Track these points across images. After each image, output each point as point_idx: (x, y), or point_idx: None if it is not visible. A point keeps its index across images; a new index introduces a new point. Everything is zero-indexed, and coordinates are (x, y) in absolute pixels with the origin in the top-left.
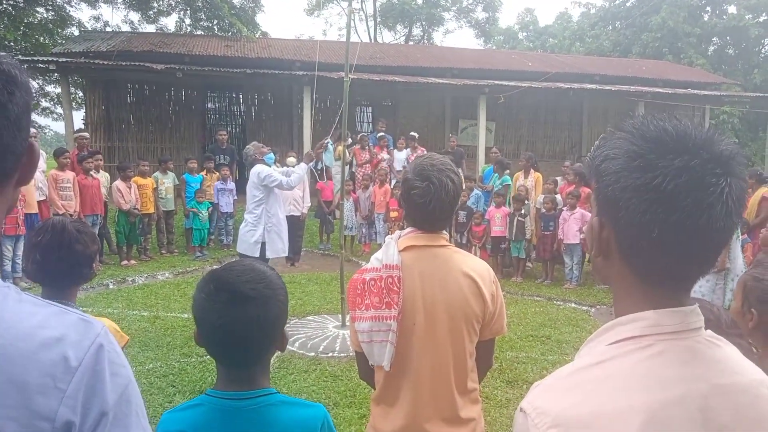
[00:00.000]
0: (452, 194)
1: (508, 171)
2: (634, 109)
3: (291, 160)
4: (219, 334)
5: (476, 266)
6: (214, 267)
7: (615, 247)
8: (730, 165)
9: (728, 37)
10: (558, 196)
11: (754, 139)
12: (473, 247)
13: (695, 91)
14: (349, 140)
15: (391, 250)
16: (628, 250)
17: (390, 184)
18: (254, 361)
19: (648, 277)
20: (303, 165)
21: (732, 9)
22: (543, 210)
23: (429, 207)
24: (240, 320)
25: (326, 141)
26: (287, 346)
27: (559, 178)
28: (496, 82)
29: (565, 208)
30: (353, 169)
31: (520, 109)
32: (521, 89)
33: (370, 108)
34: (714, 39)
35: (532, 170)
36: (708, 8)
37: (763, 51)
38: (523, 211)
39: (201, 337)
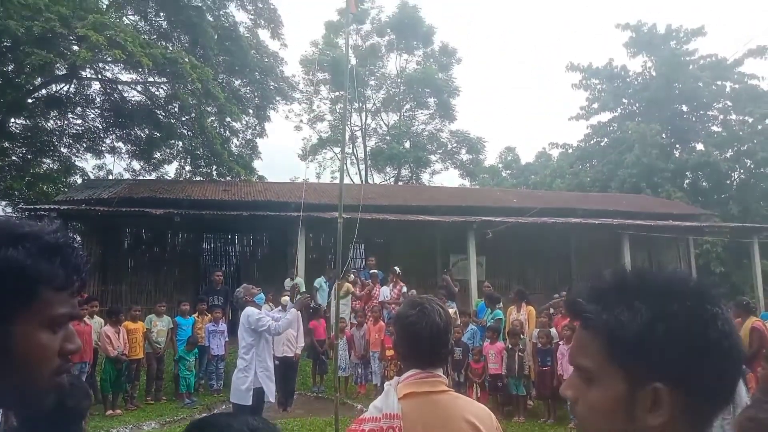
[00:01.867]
0: (445, 319)
1: (500, 305)
2: (620, 242)
3: (285, 299)
4: None
5: (478, 413)
6: (203, 415)
7: (680, 409)
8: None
9: (700, 172)
10: (553, 330)
11: (740, 267)
12: (473, 385)
13: (676, 223)
14: (351, 276)
15: (390, 398)
16: (697, 405)
17: (384, 320)
18: None
19: (702, 423)
20: (293, 311)
21: (700, 146)
22: (539, 345)
23: (425, 333)
24: None
25: (297, 282)
26: None
27: (552, 310)
28: (484, 218)
29: (561, 342)
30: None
31: (509, 243)
32: (508, 225)
33: (363, 245)
34: (687, 173)
35: (523, 304)
36: (678, 145)
37: (734, 184)
38: (520, 346)
39: None
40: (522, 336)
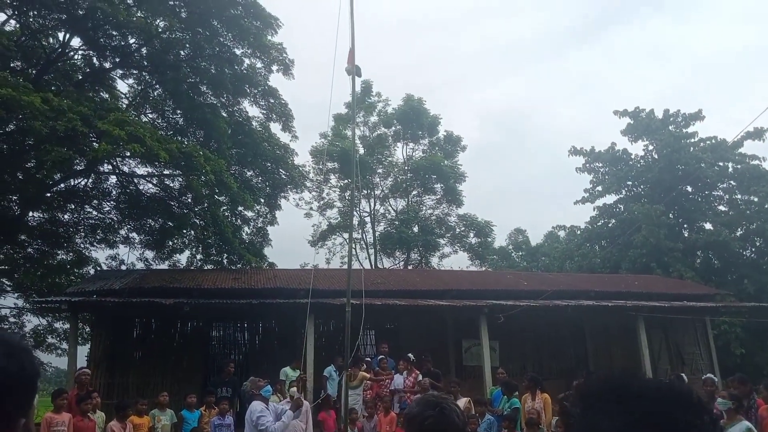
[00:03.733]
0: (462, 418)
1: (517, 393)
2: (635, 324)
3: (293, 390)
4: None
5: None
6: None
7: None
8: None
9: (710, 251)
10: None
11: (763, 348)
12: None
13: (692, 303)
14: (364, 365)
15: None
16: None
17: (394, 409)
18: None
19: None
20: (289, 413)
21: (708, 226)
22: None
23: None
24: None
25: (303, 376)
26: None
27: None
28: (495, 301)
29: None
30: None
31: (522, 327)
32: (520, 308)
33: (373, 331)
34: (698, 252)
35: (538, 391)
36: (685, 225)
37: (746, 263)
38: None
39: None
40: (540, 426)
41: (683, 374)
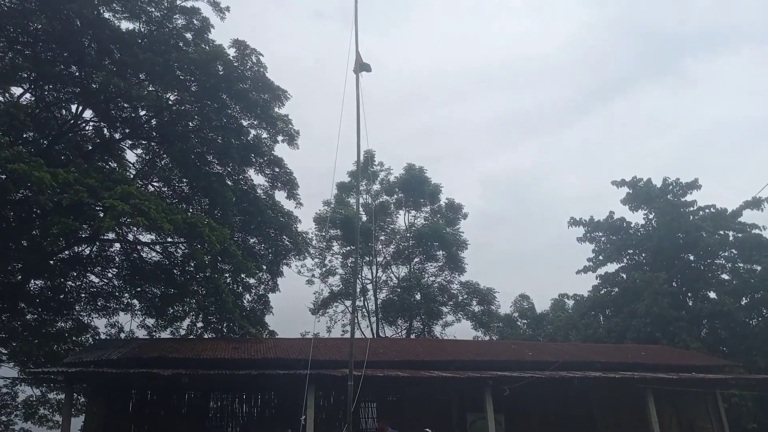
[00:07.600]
0: None
1: None
2: (644, 395)
3: None
4: None
5: None
6: None
7: None
8: None
9: (716, 321)
10: None
11: None
12: None
13: (701, 375)
14: None
15: None
16: None
17: None
18: None
19: None
20: None
21: (712, 294)
22: None
23: None
24: None
25: None
26: None
27: None
28: (500, 373)
29: None
30: None
31: (528, 399)
32: (526, 380)
33: (375, 404)
34: (704, 321)
35: None
36: (689, 294)
37: (754, 333)
38: None
39: None
40: None
41: None
